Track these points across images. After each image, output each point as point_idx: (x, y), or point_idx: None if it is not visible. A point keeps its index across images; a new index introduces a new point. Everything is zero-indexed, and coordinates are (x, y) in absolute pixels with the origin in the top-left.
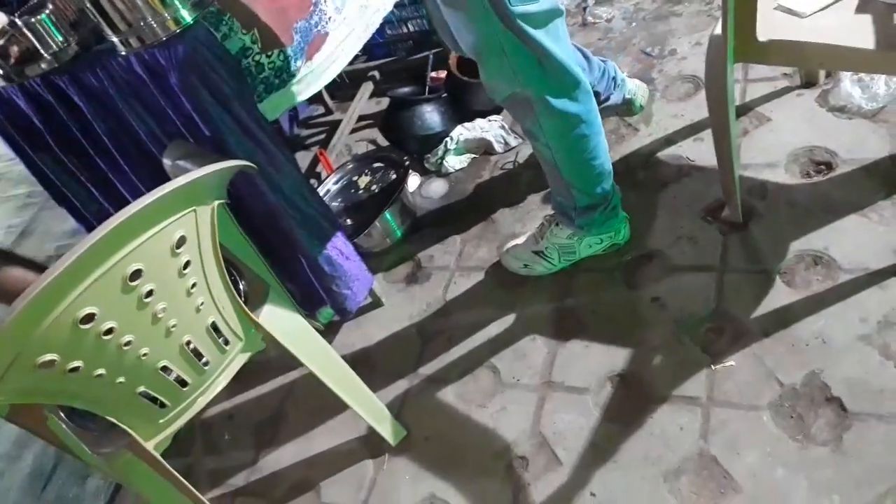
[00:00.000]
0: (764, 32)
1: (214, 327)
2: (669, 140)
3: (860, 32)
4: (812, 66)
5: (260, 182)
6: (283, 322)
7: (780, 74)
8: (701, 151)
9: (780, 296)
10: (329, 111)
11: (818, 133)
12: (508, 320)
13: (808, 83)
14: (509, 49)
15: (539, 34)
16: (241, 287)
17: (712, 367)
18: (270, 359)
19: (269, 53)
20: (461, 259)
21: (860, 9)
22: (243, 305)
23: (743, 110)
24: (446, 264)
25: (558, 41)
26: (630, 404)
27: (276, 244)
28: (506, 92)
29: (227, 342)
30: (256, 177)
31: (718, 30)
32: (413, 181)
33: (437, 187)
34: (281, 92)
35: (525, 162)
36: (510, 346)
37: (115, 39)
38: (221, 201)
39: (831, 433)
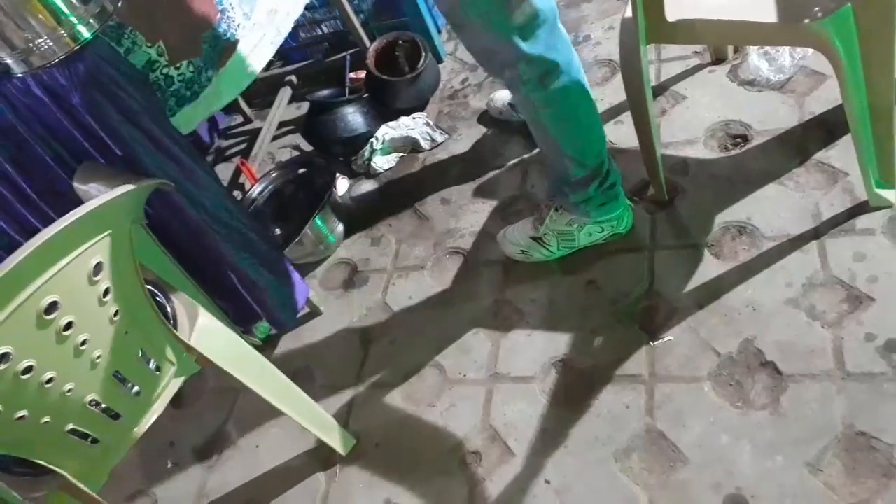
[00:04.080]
0: (672, 13)
1: (144, 354)
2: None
3: (762, 7)
4: (720, 42)
5: (179, 198)
6: (216, 342)
7: (692, 53)
8: (622, 134)
9: (709, 268)
10: (248, 120)
11: (732, 107)
12: (450, 317)
13: (719, 59)
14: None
15: None
16: (169, 309)
17: (651, 343)
18: (208, 379)
19: (178, 65)
20: (398, 259)
21: None
22: (172, 329)
23: (659, 90)
24: (383, 266)
25: None
26: (576, 388)
27: (203, 261)
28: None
29: (158, 368)
30: (175, 193)
31: (629, 13)
32: (341, 184)
33: (367, 189)
34: (194, 104)
35: (453, 157)
36: (454, 343)
37: (8, 61)
38: (139, 222)
39: (769, 396)
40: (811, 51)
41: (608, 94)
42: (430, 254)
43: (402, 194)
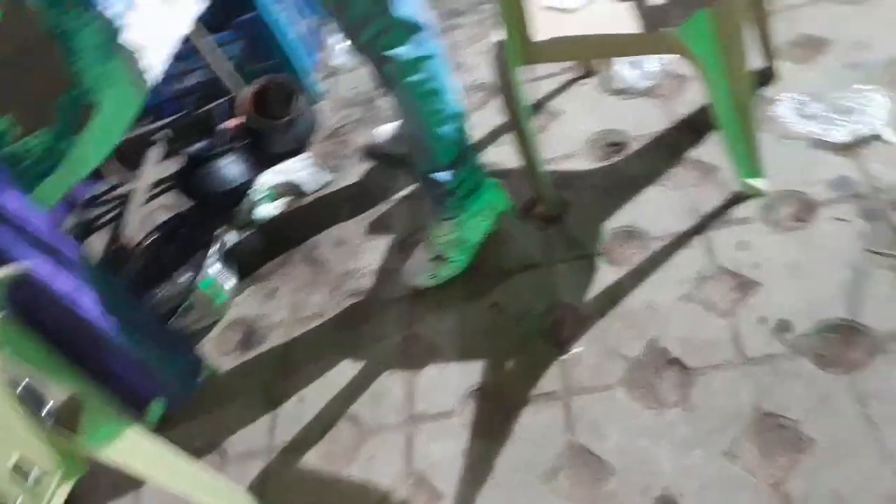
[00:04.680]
0: (539, 33)
1: (18, 467)
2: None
3: (622, 20)
4: (586, 57)
5: (45, 282)
6: (104, 436)
7: (562, 69)
8: (505, 155)
9: (606, 275)
10: (119, 184)
11: (606, 117)
12: (359, 362)
13: (589, 72)
14: None
15: None
16: (47, 408)
17: (561, 358)
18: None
19: (33, 135)
20: (296, 310)
21: None
22: (51, 431)
23: (536, 108)
24: (280, 319)
25: None
26: (495, 416)
27: (82, 347)
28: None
29: (38, 479)
30: (39, 278)
31: (499, 37)
32: (229, 237)
33: (256, 240)
34: (54, 177)
35: (342, 196)
36: (366, 390)
37: None
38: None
39: (679, 393)
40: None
41: (487, 117)
42: (328, 299)
43: (292, 241)
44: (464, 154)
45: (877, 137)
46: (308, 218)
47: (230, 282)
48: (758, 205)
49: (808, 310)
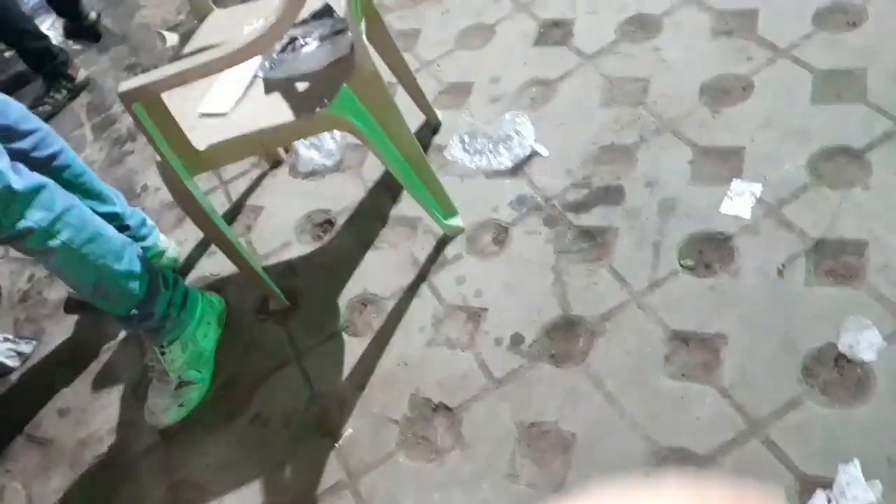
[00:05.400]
0: (201, 142)
1: None
2: (188, 266)
3: (276, 111)
4: (255, 153)
5: None
6: None
7: (251, 165)
8: (220, 263)
9: (354, 348)
10: None
11: (306, 200)
12: None
13: (276, 162)
14: None
15: None
16: None
17: (336, 445)
18: None
19: None
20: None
21: (268, 89)
22: None
23: (237, 209)
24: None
25: None
26: None
27: None
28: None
29: None
30: None
31: (158, 156)
32: None
33: None
34: None
35: (53, 361)
36: None
37: None
38: None
39: (452, 435)
40: None
41: (189, 232)
42: (69, 480)
43: (6, 429)
44: (154, 276)
45: (533, 154)
46: (18, 397)
47: None
48: (462, 240)
49: (531, 318)
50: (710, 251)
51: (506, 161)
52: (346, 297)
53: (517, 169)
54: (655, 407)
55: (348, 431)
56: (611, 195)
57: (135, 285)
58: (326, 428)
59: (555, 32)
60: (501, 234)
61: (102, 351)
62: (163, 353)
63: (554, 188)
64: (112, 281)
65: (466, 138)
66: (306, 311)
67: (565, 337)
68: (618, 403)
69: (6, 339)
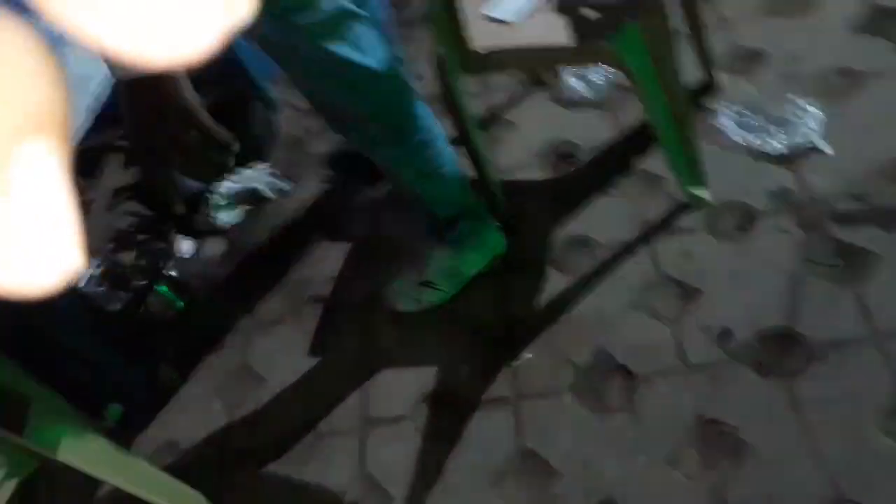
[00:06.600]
0: (479, 43)
1: None
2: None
3: (559, 31)
4: (525, 67)
5: None
6: (54, 435)
7: (513, 80)
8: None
9: (557, 283)
10: (80, 192)
11: (557, 128)
12: (316, 370)
13: (539, 82)
14: None
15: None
16: None
17: (512, 364)
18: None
19: None
20: (257, 316)
21: (559, 8)
22: None
23: (492, 119)
24: (243, 325)
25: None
26: (447, 420)
27: (33, 347)
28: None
29: None
30: None
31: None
32: (186, 246)
33: (216, 248)
34: None
35: (302, 205)
36: (323, 394)
37: None
38: None
39: (624, 399)
40: None
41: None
42: (289, 306)
43: (253, 249)
44: (463, 211)
45: (812, 148)
46: (269, 226)
47: (189, 287)
48: (701, 214)
49: (749, 318)
50: None
51: (780, 147)
52: (563, 233)
53: (790, 158)
54: (858, 458)
55: (527, 356)
56: (888, 219)
57: (451, 204)
58: (507, 345)
59: (886, 23)
60: (747, 220)
61: (345, 209)
62: (431, 251)
63: (824, 191)
64: (433, 201)
65: (744, 110)
66: (522, 235)
67: (780, 350)
68: (814, 437)
69: (270, 174)
